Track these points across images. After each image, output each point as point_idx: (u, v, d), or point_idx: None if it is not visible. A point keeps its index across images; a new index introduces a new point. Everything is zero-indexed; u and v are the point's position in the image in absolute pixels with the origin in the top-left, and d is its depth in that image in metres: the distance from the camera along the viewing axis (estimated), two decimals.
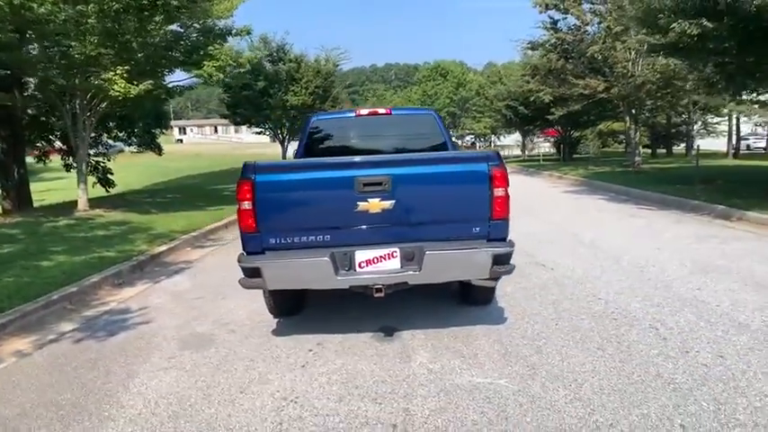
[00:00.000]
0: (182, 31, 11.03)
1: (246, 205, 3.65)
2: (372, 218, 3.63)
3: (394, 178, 3.58)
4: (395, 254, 3.68)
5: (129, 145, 17.36)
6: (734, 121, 26.48)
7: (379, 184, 3.57)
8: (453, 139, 6.65)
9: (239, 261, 3.78)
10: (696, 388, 3.07)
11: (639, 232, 8.12)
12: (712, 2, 7.62)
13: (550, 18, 18.35)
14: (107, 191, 16.06)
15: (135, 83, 9.15)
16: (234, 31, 11.25)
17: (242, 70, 13.50)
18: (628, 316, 4.31)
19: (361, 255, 3.67)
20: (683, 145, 32.52)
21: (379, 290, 3.62)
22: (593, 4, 17.45)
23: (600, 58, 16.13)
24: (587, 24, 16.71)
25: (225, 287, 5.81)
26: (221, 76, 10.84)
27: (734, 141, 26.83)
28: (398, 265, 3.69)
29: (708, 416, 2.77)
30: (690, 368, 3.32)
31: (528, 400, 3.01)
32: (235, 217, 10.83)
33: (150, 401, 3.22)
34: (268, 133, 32.30)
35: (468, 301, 4.66)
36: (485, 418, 2.84)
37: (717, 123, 30.25)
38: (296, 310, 4.67)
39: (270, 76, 27.41)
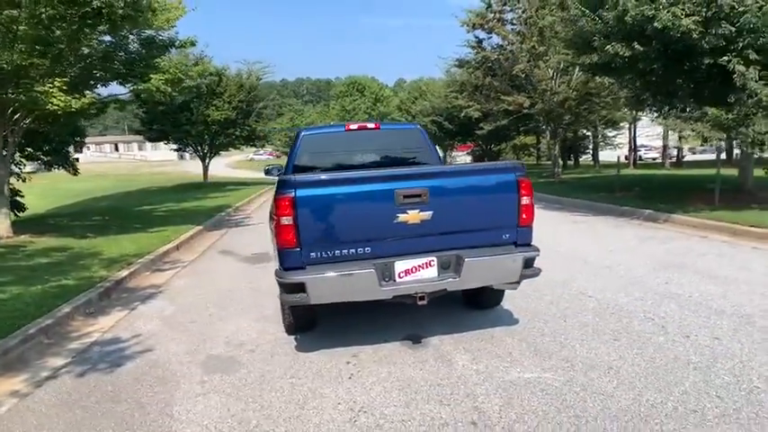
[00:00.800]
0: (114, 41, 10.38)
1: (286, 220, 3.62)
2: (411, 229, 3.76)
3: (432, 190, 3.74)
4: (432, 263, 3.84)
5: (44, 164, 15.80)
6: (631, 135, 29.60)
7: (419, 195, 3.72)
8: None
9: (277, 276, 3.73)
10: (712, 365, 3.52)
11: (587, 237, 8.90)
12: (639, 28, 8.65)
13: (476, 37, 19.57)
14: (16, 215, 14.56)
15: (77, 96, 8.46)
16: (177, 43, 10.79)
17: (191, 83, 12.88)
18: (623, 310, 4.78)
19: (400, 265, 3.78)
20: (585, 156, 35.78)
21: (422, 298, 3.75)
22: (513, 25, 18.89)
23: (523, 75, 17.46)
24: (512, 44, 18.04)
25: (213, 309, 5.61)
26: (169, 89, 10.32)
27: (631, 153, 29.98)
28: (436, 274, 3.85)
29: (733, 387, 3.21)
30: (697, 350, 3.79)
31: (580, 388, 3.29)
32: (184, 237, 10.50)
33: (209, 427, 3.09)
34: (189, 150, 30.81)
35: (476, 305, 4.90)
36: (552, 407, 3.07)
37: (614, 136, 33.74)
38: (311, 325, 4.64)
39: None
